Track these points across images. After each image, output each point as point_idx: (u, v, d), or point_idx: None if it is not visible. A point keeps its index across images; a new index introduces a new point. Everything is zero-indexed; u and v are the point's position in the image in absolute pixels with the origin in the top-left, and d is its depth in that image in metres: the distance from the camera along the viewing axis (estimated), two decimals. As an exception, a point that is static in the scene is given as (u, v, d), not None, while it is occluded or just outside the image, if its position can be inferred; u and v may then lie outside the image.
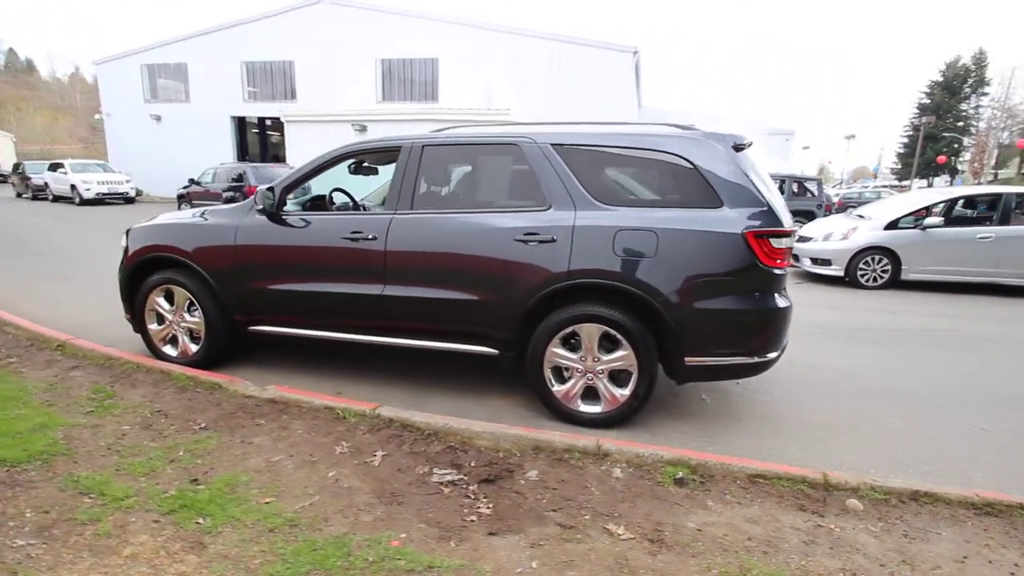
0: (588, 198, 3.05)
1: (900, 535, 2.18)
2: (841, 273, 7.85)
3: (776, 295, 2.97)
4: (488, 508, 2.30)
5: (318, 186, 4.28)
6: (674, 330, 2.93)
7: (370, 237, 3.32)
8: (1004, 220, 7.23)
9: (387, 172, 4.76)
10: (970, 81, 50.69)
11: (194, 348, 3.85)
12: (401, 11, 19.56)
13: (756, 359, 2.99)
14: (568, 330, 3.07)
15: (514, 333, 3.16)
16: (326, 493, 2.34)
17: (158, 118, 23.70)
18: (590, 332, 3.05)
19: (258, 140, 27.26)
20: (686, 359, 2.98)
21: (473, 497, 2.38)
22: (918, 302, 7.03)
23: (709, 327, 2.93)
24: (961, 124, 49.52)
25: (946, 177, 48.55)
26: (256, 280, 3.58)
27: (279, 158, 27.40)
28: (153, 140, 23.64)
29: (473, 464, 2.64)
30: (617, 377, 3.10)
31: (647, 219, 2.95)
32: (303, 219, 3.55)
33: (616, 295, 3.01)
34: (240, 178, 13.65)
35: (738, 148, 3.02)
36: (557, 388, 3.17)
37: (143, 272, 3.88)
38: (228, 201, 13.44)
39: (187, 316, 3.82)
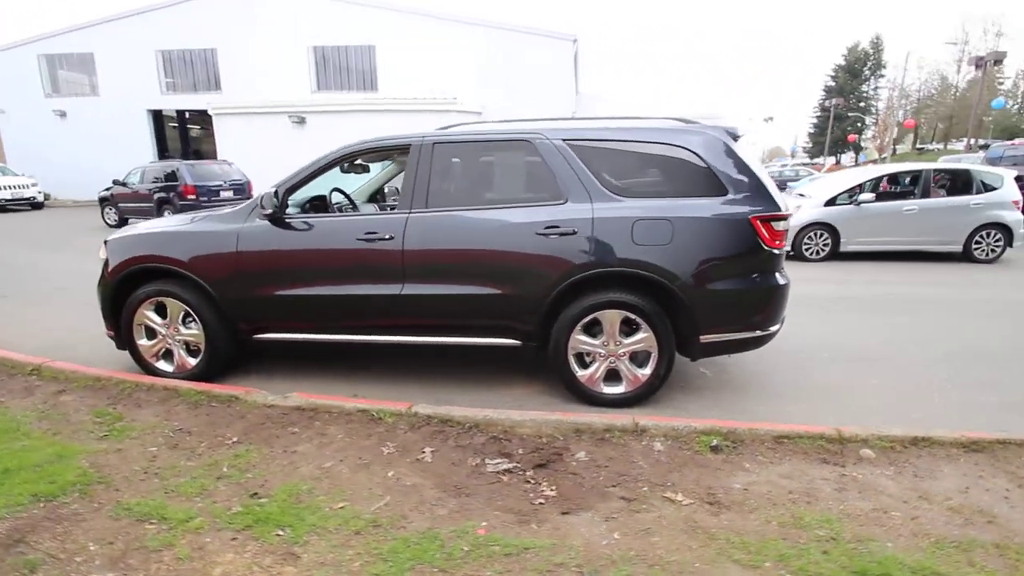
0: (602, 191, 3.19)
1: (911, 475, 2.51)
2: (788, 248, 8.49)
3: (777, 273, 3.25)
4: (551, 490, 2.42)
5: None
6: (690, 311, 3.15)
7: (386, 237, 3.30)
8: (925, 194, 8.12)
9: (372, 170, 4.69)
10: (869, 64, 55.41)
11: (192, 361, 3.68)
12: (332, -4, 18.74)
13: (760, 333, 3.27)
14: (589, 317, 3.22)
15: (537, 324, 3.28)
16: (394, 492, 2.37)
17: (63, 114, 21.53)
18: (612, 318, 3.21)
19: (178, 135, 25.40)
20: (701, 337, 3.21)
21: (533, 482, 2.49)
22: (857, 271, 7.77)
23: (721, 306, 3.17)
24: (863, 104, 54.10)
25: (851, 154, 53.00)
26: (263, 287, 3.47)
27: (200, 153, 25.70)
28: (57, 139, 21.47)
29: (521, 451, 2.75)
30: (636, 358, 3.29)
31: (660, 209, 3.13)
32: (310, 222, 3.47)
33: (636, 281, 3.18)
34: (172, 176, 12.70)
35: (735, 138, 3.25)
36: (581, 373, 3.32)
37: (128, 285, 3.65)
38: (161, 203, 12.51)
39: (183, 329, 3.64)
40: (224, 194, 12.07)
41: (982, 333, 4.92)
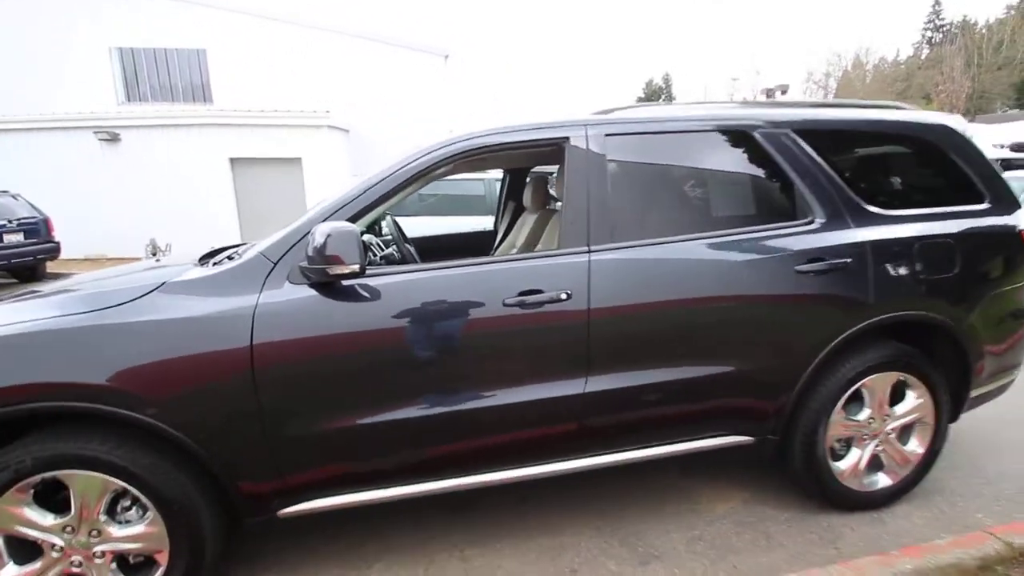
0: (858, 203, 2.20)
1: None
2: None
3: (1026, 300, 2.57)
4: None
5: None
6: (966, 359, 2.31)
7: (561, 297, 1.87)
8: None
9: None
10: (662, 97, 65.10)
11: (138, 588, 1.75)
12: (138, -12, 15.03)
13: (1013, 377, 2.56)
14: (856, 387, 2.20)
15: (790, 405, 2.14)
16: None
17: None
18: (883, 383, 2.22)
19: None
20: (972, 391, 2.39)
21: None
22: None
23: (996, 347, 2.38)
24: (659, 130, 63.45)
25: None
26: (319, 413, 1.76)
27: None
28: None
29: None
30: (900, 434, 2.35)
31: (936, 226, 2.24)
32: (402, 280, 1.86)
33: (916, 329, 2.25)
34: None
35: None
36: (840, 467, 2.26)
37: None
38: None
39: (114, 528, 1.72)
40: (9, 237, 8.35)
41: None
